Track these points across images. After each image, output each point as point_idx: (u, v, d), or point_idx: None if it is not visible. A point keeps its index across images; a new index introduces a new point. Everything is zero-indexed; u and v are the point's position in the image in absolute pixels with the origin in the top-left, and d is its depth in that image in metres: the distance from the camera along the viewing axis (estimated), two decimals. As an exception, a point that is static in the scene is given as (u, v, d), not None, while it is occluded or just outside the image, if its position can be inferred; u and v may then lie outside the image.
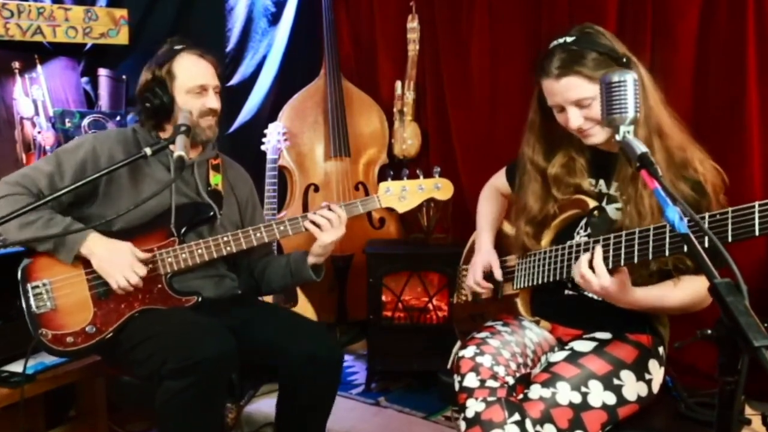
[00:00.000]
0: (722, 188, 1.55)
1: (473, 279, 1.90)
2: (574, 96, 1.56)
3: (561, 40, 1.59)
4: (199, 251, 1.98)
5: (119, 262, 1.90)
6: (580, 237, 1.69)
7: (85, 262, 1.94)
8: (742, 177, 2.60)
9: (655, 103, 1.57)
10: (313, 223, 2.00)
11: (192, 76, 2.02)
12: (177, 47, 2.05)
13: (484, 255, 1.91)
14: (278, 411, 2.06)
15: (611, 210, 1.65)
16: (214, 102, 2.05)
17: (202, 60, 2.06)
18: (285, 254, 2.22)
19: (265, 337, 1.98)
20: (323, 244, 2.03)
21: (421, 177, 2.07)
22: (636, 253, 1.42)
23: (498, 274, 1.85)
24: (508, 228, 1.96)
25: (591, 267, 1.47)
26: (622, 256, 1.44)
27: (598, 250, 1.47)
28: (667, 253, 1.36)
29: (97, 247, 1.91)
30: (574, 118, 1.58)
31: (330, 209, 2.02)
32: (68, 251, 1.90)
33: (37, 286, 1.93)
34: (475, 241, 2.07)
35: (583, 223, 1.70)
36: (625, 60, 1.54)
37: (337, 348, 2.05)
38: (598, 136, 1.60)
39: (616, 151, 1.64)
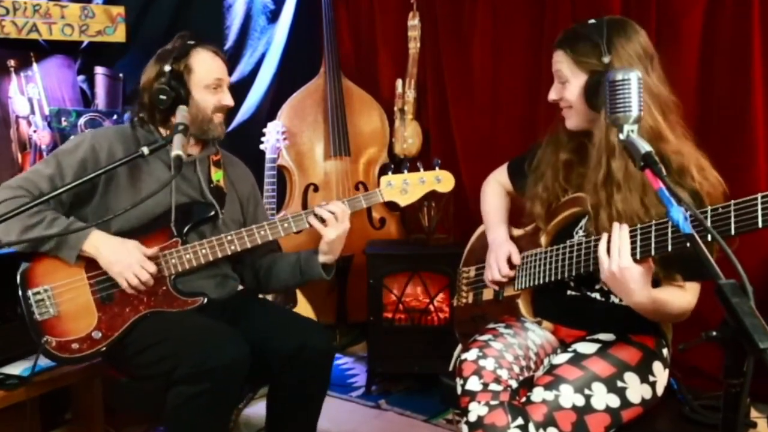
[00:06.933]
0: (721, 201, 1.48)
1: (497, 269, 1.80)
2: (555, 67, 1.66)
3: (591, 20, 1.64)
4: (204, 251, 1.96)
5: (128, 260, 1.87)
6: (579, 236, 1.66)
7: (86, 266, 1.91)
8: (747, 174, 2.58)
9: (646, 106, 1.54)
10: (318, 218, 1.98)
11: (209, 71, 2.03)
12: (190, 42, 2.05)
13: (505, 245, 1.84)
14: (268, 409, 2.03)
15: None
16: (229, 99, 2.09)
17: (216, 56, 2.08)
18: (294, 252, 2.18)
19: (256, 331, 1.95)
20: (328, 240, 2.00)
21: (422, 170, 2.07)
22: (653, 246, 1.37)
23: (516, 259, 1.79)
24: (512, 229, 1.93)
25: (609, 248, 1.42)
26: (638, 249, 1.40)
27: (625, 230, 1.42)
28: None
29: (103, 246, 1.88)
30: (552, 91, 1.69)
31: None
32: (70, 249, 1.87)
33: (39, 292, 1.90)
34: (477, 239, 2.05)
35: (583, 222, 1.67)
36: (606, 61, 1.54)
37: (327, 341, 2.01)
38: (570, 120, 1.68)
39: None
